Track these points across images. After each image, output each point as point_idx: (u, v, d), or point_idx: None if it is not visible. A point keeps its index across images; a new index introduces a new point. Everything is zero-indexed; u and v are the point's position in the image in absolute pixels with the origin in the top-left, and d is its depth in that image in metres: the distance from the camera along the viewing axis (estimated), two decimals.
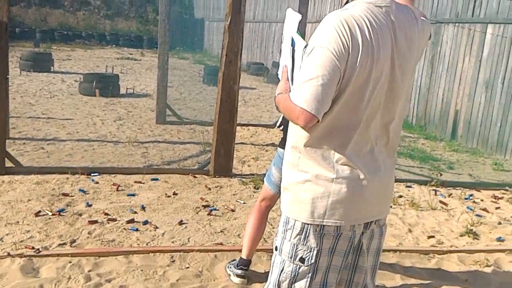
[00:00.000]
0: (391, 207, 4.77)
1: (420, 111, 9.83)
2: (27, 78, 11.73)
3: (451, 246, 4.00)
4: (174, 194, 4.54)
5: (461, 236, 4.27)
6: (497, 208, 5.16)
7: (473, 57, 8.43)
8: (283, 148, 2.82)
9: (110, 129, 7.04)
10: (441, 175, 5.83)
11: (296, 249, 1.81)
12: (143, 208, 4.12)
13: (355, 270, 1.95)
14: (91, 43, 26.47)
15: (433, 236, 4.19)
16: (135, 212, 4.03)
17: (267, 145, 7.03)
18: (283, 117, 2.94)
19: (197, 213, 4.15)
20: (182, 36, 25.93)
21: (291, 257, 1.82)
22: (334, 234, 1.80)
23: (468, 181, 6.03)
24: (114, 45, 26.90)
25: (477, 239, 4.25)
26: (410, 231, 4.28)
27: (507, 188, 5.74)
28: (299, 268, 1.81)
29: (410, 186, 5.55)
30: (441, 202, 5.07)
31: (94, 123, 7.41)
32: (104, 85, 9.92)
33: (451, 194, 5.43)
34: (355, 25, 1.66)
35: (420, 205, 4.91)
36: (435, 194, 5.37)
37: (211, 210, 4.19)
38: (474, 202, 5.27)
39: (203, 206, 4.29)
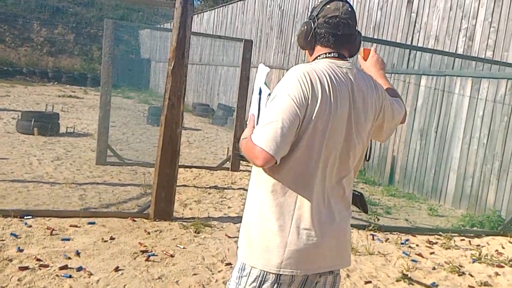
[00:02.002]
0: None
1: None
2: None
3: None
4: (111, 238, 4.41)
5: (397, 281, 4.36)
6: (431, 253, 5.32)
7: (408, 106, 8.83)
8: None
9: (47, 170, 6.82)
10: (378, 220, 5.99)
11: None
12: (77, 253, 3.98)
13: None
14: (32, 80, 25.88)
15: (370, 282, 4.26)
16: (69, 258, 3.88)
17: (210, 187, 7.00)
18: None
19: (134, 258, 4.05)
20: (127, 76, 25.99)
21: None
22: (288, 281, 1.85)
23: (404, 226, 6.21)
24: (56, 82, 26.39)
25: (412, 284, 4.35)
26: (348, 276, 4.33)
27: (440, 233, 5.94)
28: None
29: None
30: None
31: (31, 163, 7.16)
32: (43, 123, 9.66)
33: (388, 238, 5.57)
34: (316, 78, 1.80)
35: (358, 250, 5.00)
36: (373, 239, 5.50)
37: (149, 256, 4.10)
38: (409, 247, 5.42)
39: (141, 251, 4.19)
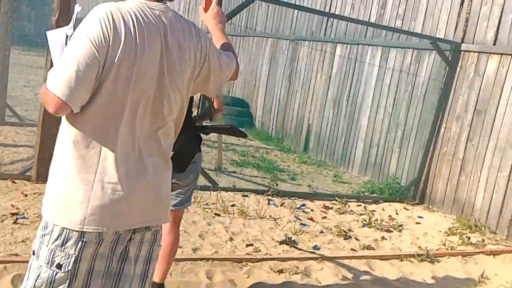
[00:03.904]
0: (219, 215, 4.80)
1: (278, 123, 10.13)
2: None
3: (266, 254, 4.08)
4: None
5: (280, 244, 4.37)
6: (324, 217, 5.39)
7: (324, 75, 8.87)
8: None
9: None
10: (277, 185, 6.01)
11: (54, 255, 1.71)
12: None
13: (120, 279, 1.87)
14: None
15: (251, 245, 4.25)
16: None
17: None
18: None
19: (1, 221, 3.83)
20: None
21: (48, 263, 1.71)
22: (96, 240, 1.72)
23: (303, 192, 6.27)
24: None
25: (295, 247, 4.38)
26: (231, 239, 4.30)
27: (336, 198, 6.03)
28: (56, 274, 1.71)
29: (246, 196, 5.63)
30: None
31: None
32: None
33: (283, 203, 5.59)
34: (120, 18, 1.65)
35: (249, 214, 4.98)
36: (268, 203, 5.51)
37: (18, 218, 3.89)
38: (303, 211, 5.47)
39: (11, 213, 3.96)
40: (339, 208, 5.75)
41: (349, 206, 5.88)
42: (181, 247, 3.73)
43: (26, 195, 4.44)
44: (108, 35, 1.62)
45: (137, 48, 1.67)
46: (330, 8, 8.84)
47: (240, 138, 9.46)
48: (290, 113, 9.79)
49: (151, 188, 1.83)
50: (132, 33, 1.67)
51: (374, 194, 6.75)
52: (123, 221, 1.77)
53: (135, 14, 1.69)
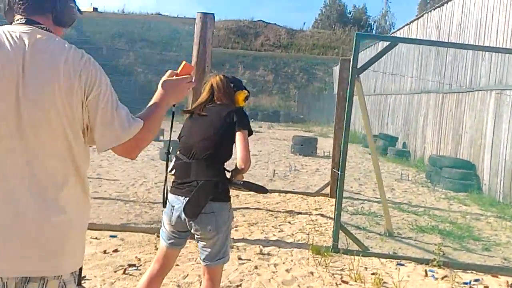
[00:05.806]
0: (346, 283, 4.22)
1: (505, 187, 8.58)
2: None
3: None
4: (115, 251, 4.49)
5: None
6: None
7: None
8: (172, 193, 2.78)
9: (138, 190, 7.32)
10: (443, 253, 4.98)
11: None
12: None
13: None
14: None
15: None
16: None
17: (284, 211, 6.65)
18: (175, 161, 2.89)
19: (115, 271, 4.03)
20: (316, 110, 27.30)
21: None
22: None
23: (486, 264, 5.02)
24: (252, 120, 28.46)
25: None
26: None
27: None
28: None
29: (401, 264, 4.81)
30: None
31: (133, 184, 7.78)
32: None
33: (445, 276, 4.57)
34: None
35: (387, 285, 4.21)
36: (426, 275, 4.58)
37: (129, 270, 4.07)
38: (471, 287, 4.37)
39: (128, 265, 4.19)
40: None
41: None
42: None
43: (157, 248, 4.65)
44: None
45: None
46: None
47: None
48: (503, 158, 8.21)
49: (29, 229, 1.65)
50: None
51: None
52: None
53: None
